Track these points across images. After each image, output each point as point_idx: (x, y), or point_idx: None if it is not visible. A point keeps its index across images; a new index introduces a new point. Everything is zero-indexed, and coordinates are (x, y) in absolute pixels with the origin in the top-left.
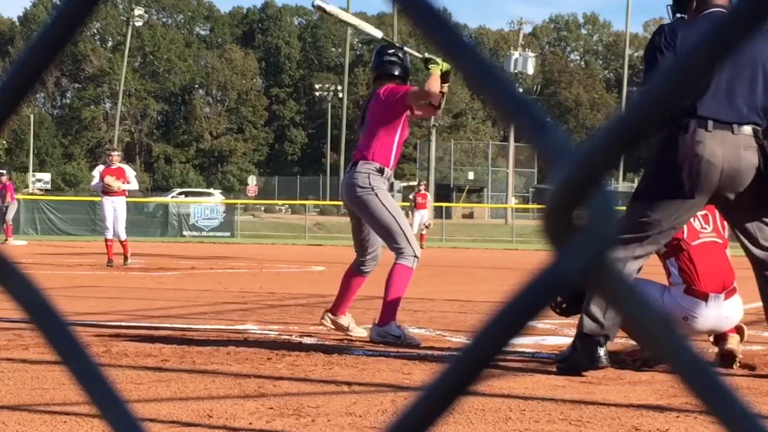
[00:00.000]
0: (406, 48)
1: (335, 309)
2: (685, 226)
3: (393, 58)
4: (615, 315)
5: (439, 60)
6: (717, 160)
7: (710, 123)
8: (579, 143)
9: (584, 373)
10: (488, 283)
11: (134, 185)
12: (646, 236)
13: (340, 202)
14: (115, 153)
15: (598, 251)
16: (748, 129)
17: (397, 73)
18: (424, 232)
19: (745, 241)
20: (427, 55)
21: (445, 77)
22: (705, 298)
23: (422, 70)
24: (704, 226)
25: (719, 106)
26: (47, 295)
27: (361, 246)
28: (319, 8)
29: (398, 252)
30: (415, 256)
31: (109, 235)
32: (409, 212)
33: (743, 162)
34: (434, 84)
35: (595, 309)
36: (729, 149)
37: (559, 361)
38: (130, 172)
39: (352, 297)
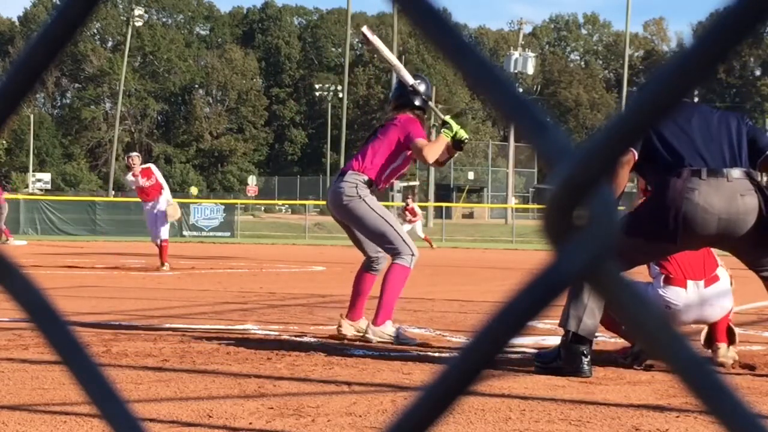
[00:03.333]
0: (430, 104)
1: (352, 314)
2: None
3: (414, 89)
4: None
5: (455, 126)
6: (713, 209)
7: (704, 171)
8: (579, 143)
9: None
10: (488, 283)
11: (164, 185)
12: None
13: None
14: (134, 154)
15: (598, 251)
16: (740, 173)
17: (418, 103)
18: (423, 236)
19: (756, 269)
20: (448, 118)
21: (457, 145)
22: (684, 285)
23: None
24: None
25: (706, 156)
26: (47, 295)
27: (365, 247)
28: (365, 38)
29: (394, 253)
30: (413, 254)
31: (154, 239)
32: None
33: (741, 207)
34: (433, 153)
35: (580, 313)
36: (725, 197)
37: (537, 359)
38: (156, 171)
39: (366, 298)
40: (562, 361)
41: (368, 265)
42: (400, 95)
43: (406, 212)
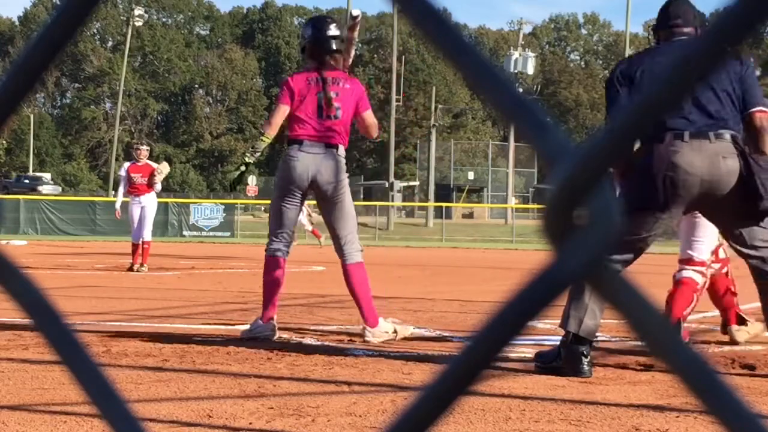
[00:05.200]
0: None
1: (366, 320)
2: None
3: (336, 33)
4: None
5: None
6: (695, 170)
7: (686, 134)
8: (579, 143)
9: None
10: (488, 283)
11: (157, 186)
12: (622, 246)
13: None
14: (144, 147)
15: (598, 251)
16: (726, 135)
17: (339, 48)
18: (310, 228)
19: (736, 245)
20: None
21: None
22: None
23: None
24: None
25: (690, 117)
26: (47, 295)
27: (338, 233)
28: (353, 20)
29: (354, 243)
30: (361, 249)
31: (136, 239)
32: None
33: (722, 169)
34: (375, 130)
35: (581, 314)
36: (707, 158)
37: (538, 359)
38: (162, 172)
39: (370, 296)
40: (562, 361)
41: (345, 261)
42: (328, 38)
43: None
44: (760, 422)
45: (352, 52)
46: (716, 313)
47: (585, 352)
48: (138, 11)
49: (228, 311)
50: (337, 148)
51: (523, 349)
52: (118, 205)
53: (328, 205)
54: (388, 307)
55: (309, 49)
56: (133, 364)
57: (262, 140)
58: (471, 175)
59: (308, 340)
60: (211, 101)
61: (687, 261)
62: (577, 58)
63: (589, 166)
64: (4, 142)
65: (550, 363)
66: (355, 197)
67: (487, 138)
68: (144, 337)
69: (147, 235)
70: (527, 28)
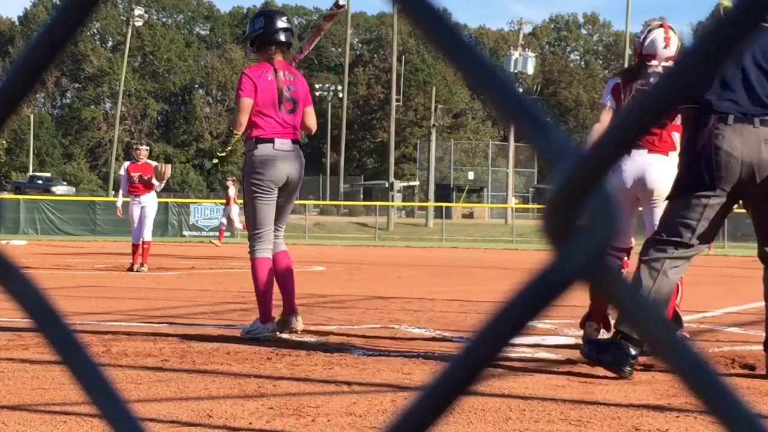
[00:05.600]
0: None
1: (291, 307)
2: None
3: (288, 25)
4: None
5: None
6: (736, 152)
7: (730, 117)
8: (579, 143)
9: (584, 373)
10: (488, 283)
11: (158, 185)
12: (680, 237)
13: (340, 202)
14: (143, 147)
15: (598, 251)
16: None
17: (290, 41)
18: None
19: (760, 239)
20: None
21: None
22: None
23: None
24: None
25: (738, 100)
26: (47, 295)
27: (275, 223)
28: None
29: (282, 232)
30: None
31: (136, 239)
32: (224, 209)
33: (764, 154)
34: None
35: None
36: (749, 142)
37: (589, 344)
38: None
39: (294, 288)
40: (609, 355)
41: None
42: (281, 30)
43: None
44: (760, 422)
45: (316, 42)
46: (716, 313)
47: (634, 354)
48: (138, 11)
49: (228, 311)
50: (299, 143)
51: (523, 349)
52: (119, 204)
53: (287, 199)
54: (389, 307)
55: (260, 42)
56: (133, 364)
57: (233, 136)
58: (471, 175)
59: (308, 340)
60: (211, 101)
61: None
62: (577, 58)
63: (589, 166)
64: (4, 142)
65: (599, 352)
66: (355, 197)
67: (487, 138)
68: (144, 337)
69: (147, 235)
70: (527, 28)
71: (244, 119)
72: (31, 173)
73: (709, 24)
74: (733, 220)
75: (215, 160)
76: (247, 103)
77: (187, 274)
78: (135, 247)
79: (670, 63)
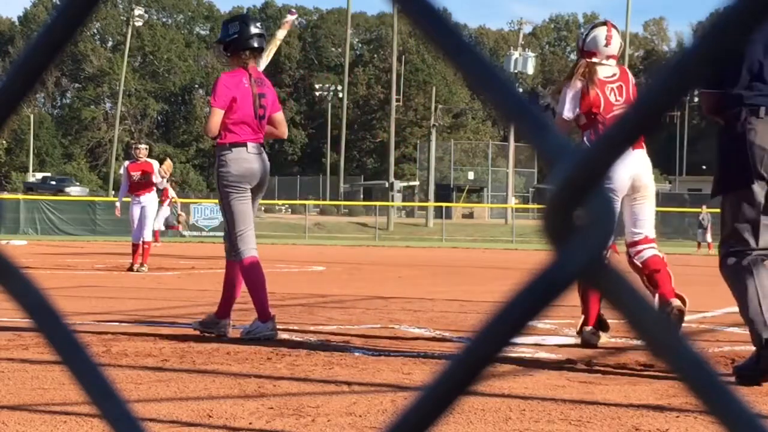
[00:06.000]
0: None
1: (263, 312)
2: (602, 100)
3: (262, 31)
4: None
5: None
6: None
7: (762, 110)
8: (579, 143)
9: (584, 373)
10: (488, 283)
11: (159, 181)
12: (741, 233)
13: (340, 202)
14: (142, 146)
15: (598, 251)
16: None
17: (263, 46)
18: (163, 228)
19: None
20: None
21: None
22: None
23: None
24: (618, 98)
25: None
26: (47, 295)
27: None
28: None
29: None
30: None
31: (136, 239)
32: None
33: None
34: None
35: None
36: None
37: (740, 371)
38: (157, 167)
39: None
40: (763, 363)
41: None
42: (255, 36)
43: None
44: (760, 422)
45: (272, 53)
46: (716, 313)
47: None
48: (138, 11)
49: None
50: (264, 146)
51: (523, 349)
52: (118, 203)
53: (254, 201)
54: (389, 307)
55: (234, 47)
56: (133, 364)
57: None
58: (471, 175)
59: (308, 340)
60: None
61: (639, 241)
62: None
63: (589, 167)
64: (4, 142)
65: (754, 369)
66: (355, 197)
67: (487, 138)
68: (144, 337)
69: (147, 235)
70: (527, 28)
71: (213, 125)
72: (44, 174)
73: (709, 24)
74: None
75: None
76: (220, 112)
77: (187, 274)
78: (135, 247)
79: (611, 61)
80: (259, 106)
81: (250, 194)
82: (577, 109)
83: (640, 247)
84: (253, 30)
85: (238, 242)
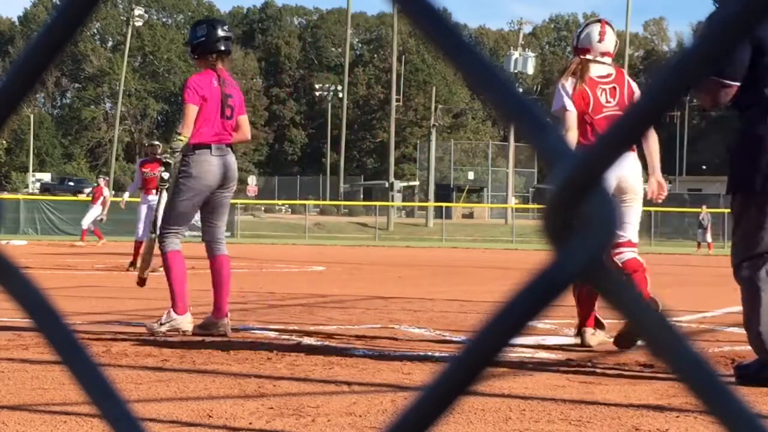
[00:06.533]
0: None
1: (221, 310)
2: (591, 99)
3: (229, 34)
4: None
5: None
6: None
7: None
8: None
9: (584, 373)
10: (488, 283)
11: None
12: (754, 235)
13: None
14: (156, 143)
15: (598, 251)
16: None
17: (230, 49)
18: (96, 227)
19: None
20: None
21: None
22: None
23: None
24: (609, 100)
25: None
26: (47, 295)
27: (217, 228)
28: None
29: (223, 234)
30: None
31: (139, 236)
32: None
33: None
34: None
35: None
36: None
37: (740, 370)
38: None
39: (227, 293)
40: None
41: (218, 248)
42: (222, 39)
43: (96, 191)
44: (760, 422)
45: None
46: (716, 313)
47: None
48: (138, 11)
49: (228, 311)
50: (232, 147)
51: (523, 349)
52: (125, 196)
53: (219, 202)
54: (389, 307)
55: (201, 50)
56: (133, 364)
57: (179, 140)
58: (471, 175)
59: (308, 340)
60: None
61: (622, 243)
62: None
63: (589, 167)
64: (4, 142)
65: (758, 374)
66: (355, 197)
67: (487, 138)
68: (144, 337)
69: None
70: (527, 28)
71: (189, 122)
72: (61, 175)
73: (709, 24)
74: None
75: (162, 169)
76: (192, 109)
77: (188, 274)
78: (138, 244)
79: (605, 58)
80: (226, 106)
81: (201, 198)
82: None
83: (621, 249)
84: (220, 33)
85: (163, 236)
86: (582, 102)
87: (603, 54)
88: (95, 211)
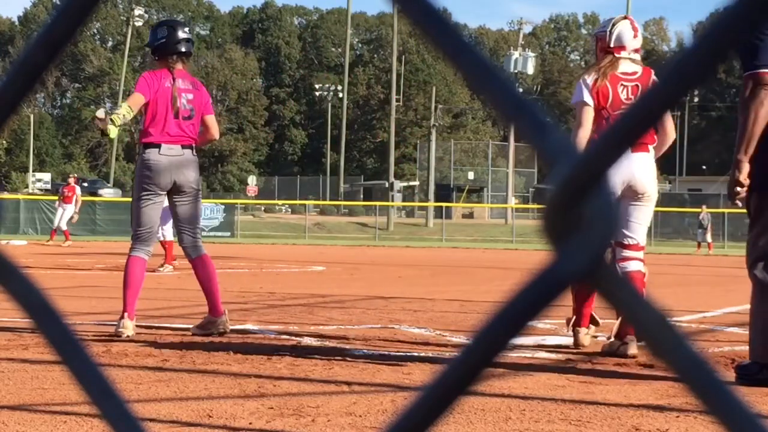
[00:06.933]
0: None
1: (215, 309)
2: (610, 94)
3: (189, 36)
4: None
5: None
6: None
7: None
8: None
9: (584, 373)
10: (488, 283)
11: None
12: None
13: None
14: None
15: (598, 251)
16: None
17: (190, 50)
18: (67, 228)
19: None
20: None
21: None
22: None
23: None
24: (630, 97)
25: None
26: (47, 295)
27: (188, 228)
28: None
29: (199, 238)
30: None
31: (162, 237)
32: (58, 205)
33: None
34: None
35: None
36: None
37: (741, 371)
38: None
39: (218, 287)
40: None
41: (195, 251)
42: (183, 41)
43: (65, 190)
44: (760, 422)
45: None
46: (716, 313)
47: None
48: (138, 11)
49: (228, 311)
50: (192, 148)
51: (523, 349)
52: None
53: (183, 203)
54: (389, 307)
55: (161, 51)
56: (133, 364)
57: (121, 106)
58: (471, 175)
59: (308, 340)
60: (211, 101)
61: (630, 246)
62: (577, 58)
63: (589, 167)
64: (4, 142)
65: (755, 375)
66: (355, 197)
67: (487, 138)
68: (144, 337)
69: (168, 233)
70: (527, 28)
71: (132, 102)
72: (78, 176)
73: (709, 24)
74: (733, 220)
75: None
76: (139, 97)
77: (187, 274)
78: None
79: (635, 55)
80: (182, 107)
81: (159, 197)
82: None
83: (627, 254)
84: (180, 35)
85: (134, 240)
86: (601, 97)
87: (635, 50)
88: (69, 211)
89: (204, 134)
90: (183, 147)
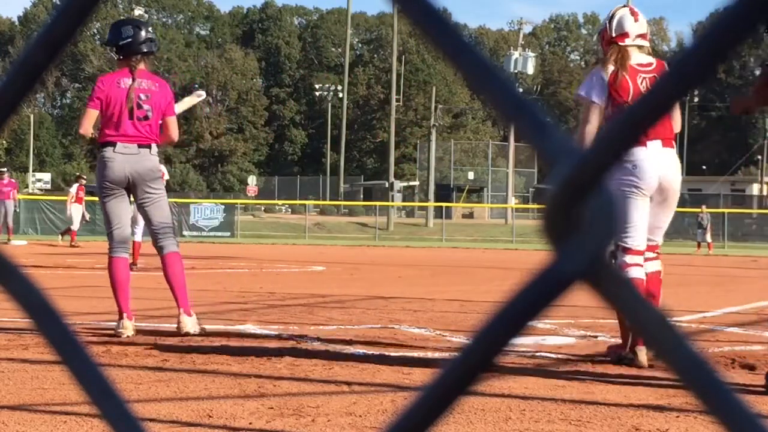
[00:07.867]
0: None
1: (182, 306)
2: (631, 88)
3: (151, 36)
4: None
5: None
6: None
7: None
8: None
9: (584, 373)
10: (488, 283)
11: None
12: None
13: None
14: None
15: (598, 251)
16: None
17: (152, 50)
18: (75, 228)
19: None
20: None
21: None
22: (644, 144)
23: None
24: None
25: None
26: (47, 295)
27: (154, 224)
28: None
29: (169, 235)
30: (177, 241)
31: (137, 237)
32: (68, 207)
33: None
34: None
35: None
36: None
37: None
38: (163, 168)
39: (186, 285)
40: None
41: (162, 248)
42: (146, 41)
43: (80, 191)
44: (760, 422)
45: (186, 107)
46: (716, 313)
47: None
48: (138, 11)
49: (228, 311)
50: (149, 147)
51: (523, 349)
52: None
53: (145, 200)
54: (389, 307)
55: (123, 51)
56: (133, 364)
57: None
58: (471, 175)
59: (308, 341)
60: (211, 101)
61: (649, 247)
62: (577, 58)
63: (589, 166)
64: (4, 142)
65: None
66: (355, 197)
67: (487, 138)
68: (144, 337)
69: (137, 234)
70: (527, 28)
71: (86, 125)
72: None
73: (709, 24)
74: (733, 220)
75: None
76: (89, 113)
77: (187, 274)
78: (137, 244)
79: (643, 41)
80: (137, 107)
81: (117, 193)
82: (604, 96)
83: (646, 255)
84: (144, 35)
85: (109, 239)
86: (622, 91)
87: (639, 36)
88: (79, 211)
89: (163, 135)
90: (140, 146)
